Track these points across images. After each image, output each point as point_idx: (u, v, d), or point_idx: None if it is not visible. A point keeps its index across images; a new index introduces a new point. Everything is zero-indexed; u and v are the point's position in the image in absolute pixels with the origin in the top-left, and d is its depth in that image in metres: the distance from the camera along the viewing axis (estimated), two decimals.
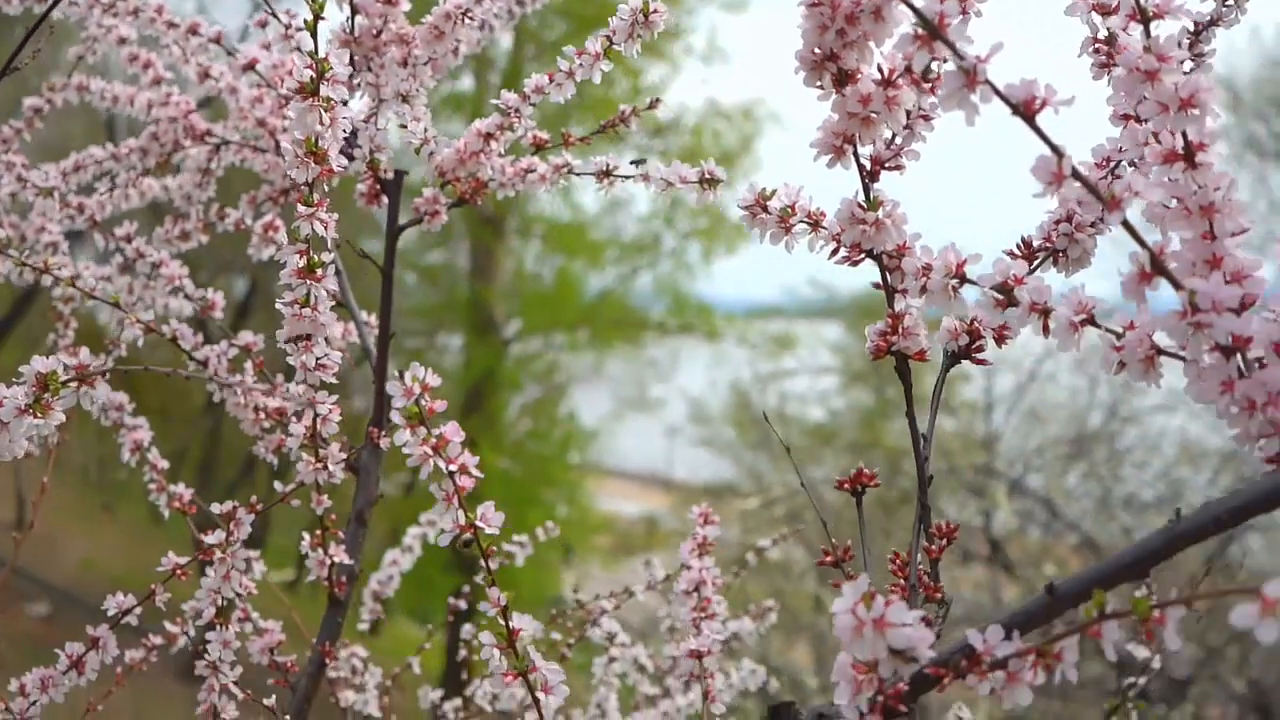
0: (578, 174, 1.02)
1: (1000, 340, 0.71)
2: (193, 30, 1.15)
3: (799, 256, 0.77)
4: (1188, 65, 0.76)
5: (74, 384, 0.68)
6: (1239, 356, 0.54)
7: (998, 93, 0.53)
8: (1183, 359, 0.57)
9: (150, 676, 1.04)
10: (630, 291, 12.08)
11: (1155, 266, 0.55)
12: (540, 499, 10.76)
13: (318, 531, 1.02)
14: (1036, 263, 0.73)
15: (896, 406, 9.84)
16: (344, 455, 0.97)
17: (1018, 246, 0.73)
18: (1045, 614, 0.54)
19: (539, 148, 1.06)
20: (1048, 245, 0.73)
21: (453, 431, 0.67)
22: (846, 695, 0.56)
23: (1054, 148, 0.54)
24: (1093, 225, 0.72)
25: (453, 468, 0.66)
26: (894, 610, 0.53)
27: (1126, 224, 0.54)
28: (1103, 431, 6.92)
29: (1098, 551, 6.34)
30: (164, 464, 1.15)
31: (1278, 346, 0.55)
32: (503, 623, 0.69)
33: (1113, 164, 0.74)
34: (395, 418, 0.66)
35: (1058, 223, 0.73)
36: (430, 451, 0.65)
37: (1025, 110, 0.54)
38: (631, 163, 1.00)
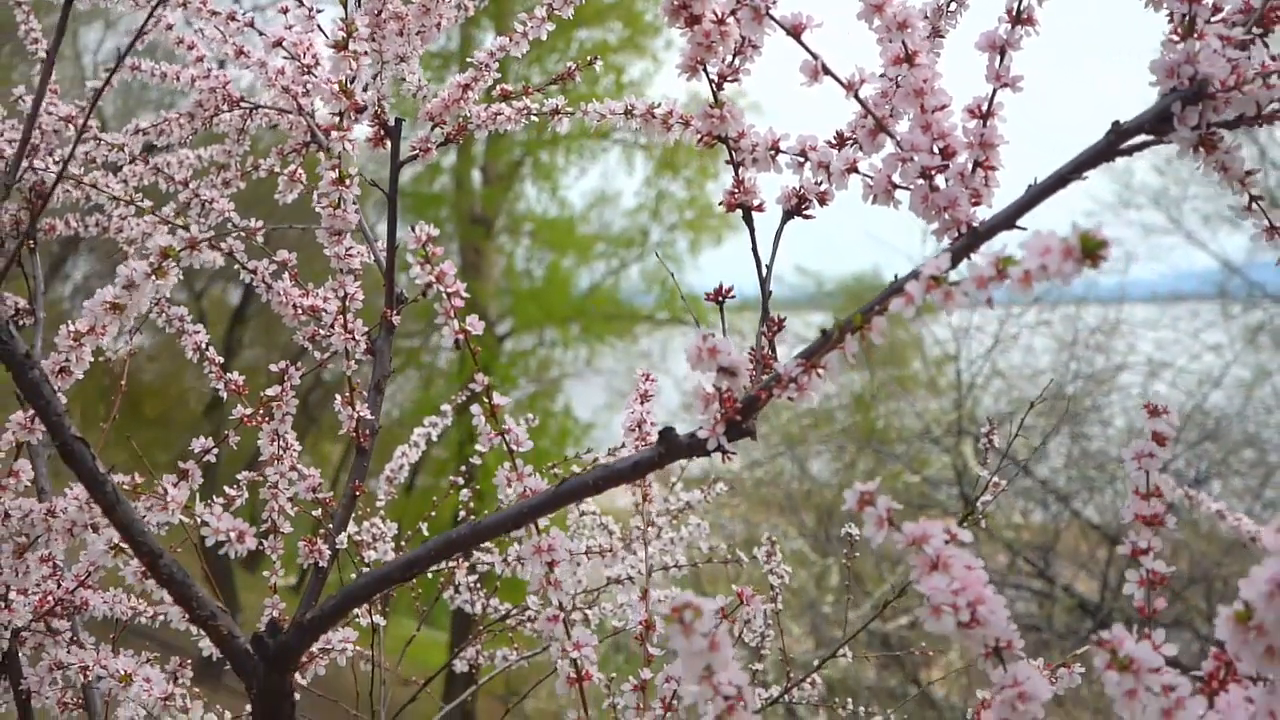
0: (535, 115, 1.35)
1: (822, 201, 1.03)
2: (230, 16, 1.47)
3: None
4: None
5: (187, 250, 1.00)
6: (934, 180, 0.87)
7: (776, 22, 0.86)
8: (906, 188, 0.90)
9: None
10: (620, 285, 12.40)
11: (878, 126, 0.87)
12: None
13: (347, 393, 1.34)
14: (848, 146, 1.05)
15: (886, 390, 10.20)
16: (367, 329, 1.29)
17: (835, 135, 1.05)
18: (822, 348, 0.86)
19: (505, 97, 1.38)
20: (853, 135, 1.05)
21: (449, 267, 0.99)
22: (700, 408, 0.88)
23: (813, 55, 0.87)
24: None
25: (450, 290, 0.98)
26: (722, 342, 0.85)
27: (858, 98, 0.86)
28: (1080, 392, 7.27)
29: (1067, 504, 6.68)
30: (220, 359, 1.47)
31: (962, 175, 0.88)
32: (487, 400, 1.01)
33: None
34: (409, 273, 0.98)
35: (860, 118, 1.05)
36: (434, 279, 0.98)
37: (794, 31, 0.86)
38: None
